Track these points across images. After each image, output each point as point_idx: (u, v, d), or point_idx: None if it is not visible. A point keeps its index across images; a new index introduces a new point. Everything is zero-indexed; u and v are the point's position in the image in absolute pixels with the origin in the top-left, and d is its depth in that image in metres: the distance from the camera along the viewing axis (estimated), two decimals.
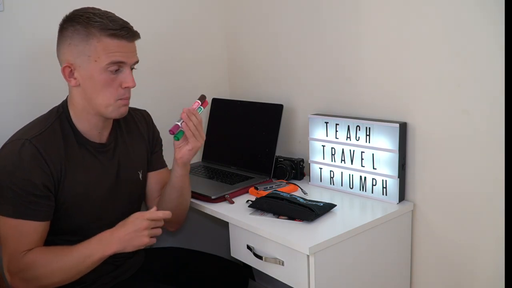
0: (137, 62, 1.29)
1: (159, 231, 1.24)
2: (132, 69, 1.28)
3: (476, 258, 1.36)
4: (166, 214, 1.25)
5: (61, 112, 1.30)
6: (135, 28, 1.26)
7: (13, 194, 1.17)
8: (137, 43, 1.25)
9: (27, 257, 1.18)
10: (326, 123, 1.60)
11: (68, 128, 1.29)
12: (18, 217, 1.18)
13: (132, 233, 1.20)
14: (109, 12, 1.25)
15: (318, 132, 1.63)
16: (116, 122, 1.41)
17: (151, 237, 1.22)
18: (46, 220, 1.22)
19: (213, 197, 1.53)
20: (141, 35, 1.28)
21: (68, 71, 1.24)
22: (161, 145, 1.57)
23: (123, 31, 1.21)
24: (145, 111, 1.54)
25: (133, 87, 1.27)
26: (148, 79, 1.87)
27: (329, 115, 1.62)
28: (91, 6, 1.26)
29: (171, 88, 1.95)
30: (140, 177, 1.45)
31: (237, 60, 2.07)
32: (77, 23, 1.21)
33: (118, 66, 1.23)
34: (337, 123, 1.57)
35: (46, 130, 1.25)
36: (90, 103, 1.26)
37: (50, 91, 1.45)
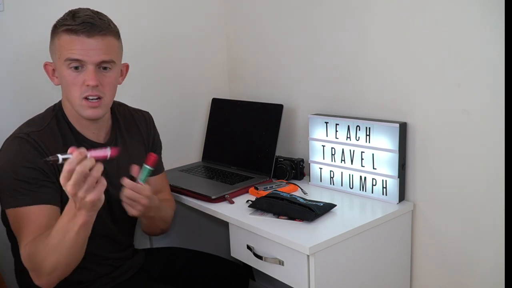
0: (107, 61, 1.22)
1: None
2: (105, 68, 1.22)
3: (476, 258, 1.36)
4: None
5: (57, 110, 1.31)
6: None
7: (17, 184, 1.17)
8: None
9: (27, 247, 1.14)
10: (326, 123, 1.60)
11: (65, 126, 1.29)
12: (23, 205, 1.16)
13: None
14: (88, 11, 1.21)
15: (318, 132, 1.63)
16: (116, 122, 1.41)
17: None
18: (54, 203, 1.19)
19: (213, 197, 1.53)
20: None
21: (51, 70, 1.26)
22: (161, 149, 1.57)
23: (80, 27, 1.16)
24: (147, 113, 1.54)
25: (94, 85, 1.19)
26: (148, 80, 1.87)
27: (329, 115, 1.62)
28: (90, 7, 1.25)
29: (172, 88, 1.95)
30: None
31: (237, 60, 2.07)
32: (55, 23, 1.22)
33: (78, 63, 1.19)
34: (337, 123, 1.57)
35: (43, 129, 1.25)
36: (69, 102, 1.26)
37: (50, 91, 1.45)
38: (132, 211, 1.24)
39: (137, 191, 1.21)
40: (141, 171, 1.22)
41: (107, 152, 1.04)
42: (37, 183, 1.18)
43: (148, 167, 1.21)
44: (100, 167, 1.00)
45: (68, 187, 0.98)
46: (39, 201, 1.18)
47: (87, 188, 0.99)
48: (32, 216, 1.17)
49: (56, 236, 1.09)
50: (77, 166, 0.97)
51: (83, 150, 0.99)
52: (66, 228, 1.07)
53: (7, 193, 1.18)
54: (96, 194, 1.00)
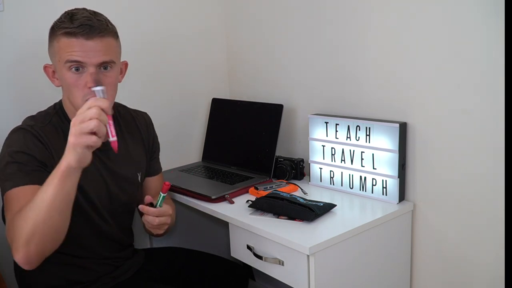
0: (107, 61, 1.21)
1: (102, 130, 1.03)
2: (105, 67, 1.22)
3: (476, 258, 1.36)
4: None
5: (58, 109, 1.32)
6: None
7: (13, 167, 1.17)
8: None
9: (11, 219, 1.10)
10: (326, 123, 1.60)
11: (67, 125, 1.28)
12: (19, 185, 1.15)
13: (78, 135, 1.01)
14: (85, 12, 1.21)
15: (318, 132, 1.63)
16: (117, 122, 1.41)
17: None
18: None
19: (213, 197, 1.53)
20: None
21: (51, 71, 1.27)
22: (159, 150, 1.57)
23: (79, 29, 1.16)
24: (146, 114, 1.54)
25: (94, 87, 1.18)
26: (148, 80, 1.87)
27: (329, 115, 1.62)
28: (89, 7, 1.25)
29: (172, 88, 1.95)
30: (139, 178, 1.45)
31: (237, 60, 2.07)
32: (52, 25, 1.22)
33: (77, 65, 1.19)
34: (337, 123, 1.57)
35: (46, 126, 1.27)
36: (71, 103, 1.26)
37: (50, 91, 1.44)
38: (159, 232, 1.32)
39: (161, 215, 1.26)
40: (158, 199, 1.27)
41: (111, 140, 1.06)
42: (31, 167, 1.18)
43: (163, 194, 1.26)
44: (104, 117, 1.02)
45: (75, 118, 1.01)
46: (31, 182, 1.16)
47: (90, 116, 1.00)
48: (22, 194, 1.14)
49: (39, 193, 1.04)
50: (93, 108, 1.00)
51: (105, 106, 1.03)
52: (49, 180, 1.03)
53: (4, 178, 1.17)
54: (97, 122, 1.00)
